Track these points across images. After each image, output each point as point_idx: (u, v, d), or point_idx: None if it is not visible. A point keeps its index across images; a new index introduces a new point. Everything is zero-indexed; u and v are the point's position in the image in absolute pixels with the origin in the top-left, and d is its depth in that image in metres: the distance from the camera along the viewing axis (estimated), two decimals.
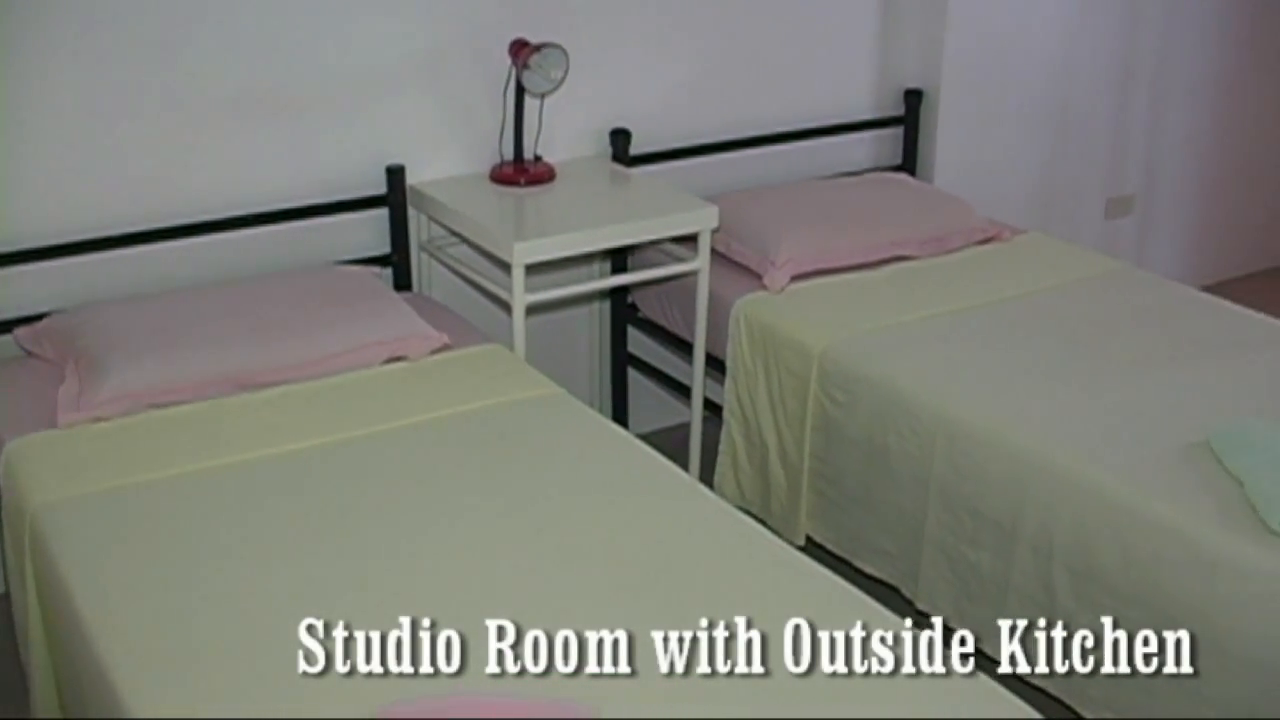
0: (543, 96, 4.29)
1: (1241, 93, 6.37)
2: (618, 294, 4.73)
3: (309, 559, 2.78)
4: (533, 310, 4.22)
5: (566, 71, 4.20)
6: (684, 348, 4.48)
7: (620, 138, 4.59)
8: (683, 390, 4.55)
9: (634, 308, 4.74)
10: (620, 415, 4.89)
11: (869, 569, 3.87)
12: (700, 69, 4.79)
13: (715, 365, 4.33)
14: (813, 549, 4.02)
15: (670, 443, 4.67)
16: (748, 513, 4.16)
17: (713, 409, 4.40)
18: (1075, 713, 3.28)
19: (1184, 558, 3.04)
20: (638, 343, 4.85)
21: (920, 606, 3.70)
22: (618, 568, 2.79)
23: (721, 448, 4.31)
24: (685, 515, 3.02)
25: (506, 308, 4.01)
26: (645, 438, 4.83)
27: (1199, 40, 6.10)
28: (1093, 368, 3.81)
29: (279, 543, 2.85)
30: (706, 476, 4.38)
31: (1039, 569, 3.34)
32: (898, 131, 5.27)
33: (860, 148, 5.22)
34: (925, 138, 5.26)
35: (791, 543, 3.99)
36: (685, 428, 4.52)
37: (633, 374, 4.89)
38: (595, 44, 4.50)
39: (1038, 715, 2.39)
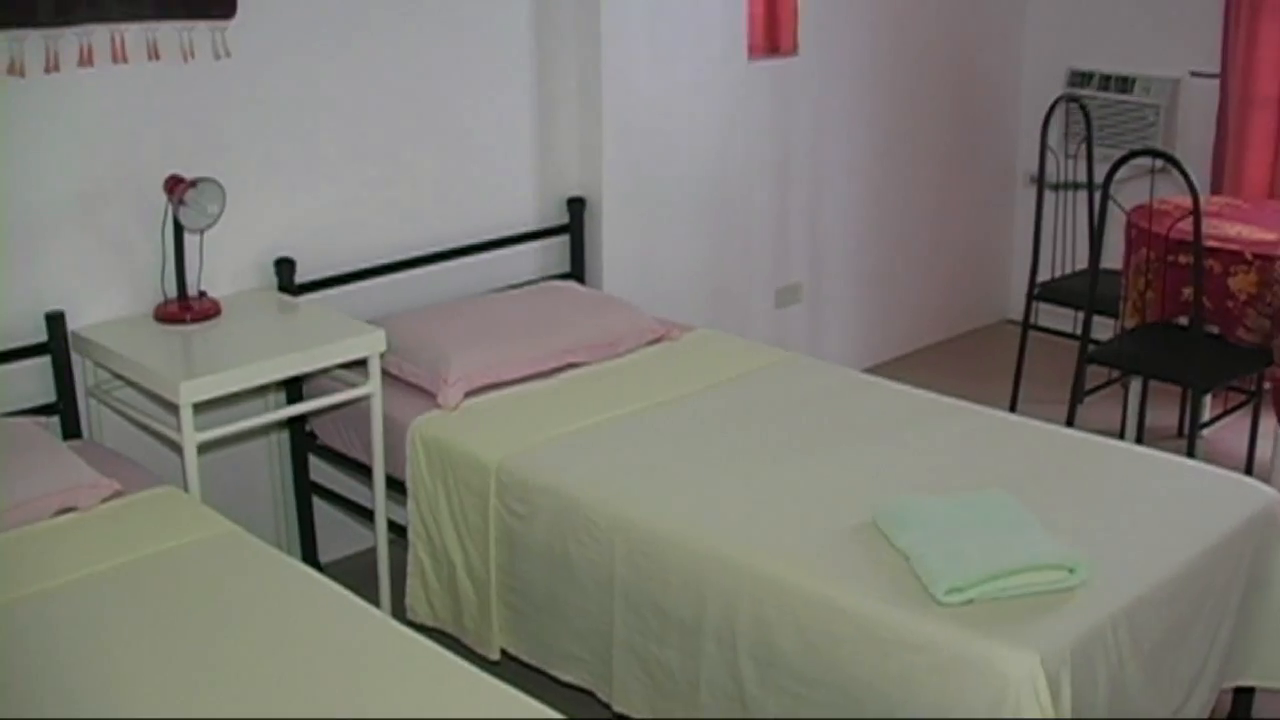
0: (201, 231, 4.25)
1: (894, 182, 6.64)
2: (296, 423, 4.70)
3: None
4: (209, 447, 4.16)
5: (223, 205, 4.18)
6: (366, 472, 4.46)
7: (285, 267, 4.57)
8: (368, 515, 4.53)
9: (313, 435, 4.71)
10: (308, 545, 4.83)
11: (565, 676, 3.89)
12: (361, 192, 4.80)
13: (398, 487, 4.32)
14: (509, 661, 4.03)
15: (360, 568, 4.66)
16: (441, 632, 4.18)
17: (399, 531, 4.38)
18: None
19: (858, 636, 3.14)
20: (320, 470, 4.81)
21: (617, 709, 3.73)
22: (302, 708, 2.75)
23: (410, 569, 4.29)
24: (368, 649, 2.99)
25: (180, 448, 3.94)
26: (335, 565, 4.83)
27: (848, 133, 6.35)
28: (763, 457, 3.91)
29: None
30: (398, 599, 4.36)
31: (725, 661, 3.40)
32: (564, 239, 5.35)
33: (528, 258, 5.28)
34: (591, 244, 5.35)
35: (486, 658, 4.02)
36: (374, 552, 4.50)
37: (318, 502, 4.85)
38: (253, 175, 4.48)
39: None
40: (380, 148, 4.83)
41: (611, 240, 5.35)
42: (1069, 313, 5.99)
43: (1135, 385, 5.52)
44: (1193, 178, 4.90)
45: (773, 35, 6.06)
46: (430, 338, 4.46)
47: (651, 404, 4.30)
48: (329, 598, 3.22)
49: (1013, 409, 5.82)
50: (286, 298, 4.53)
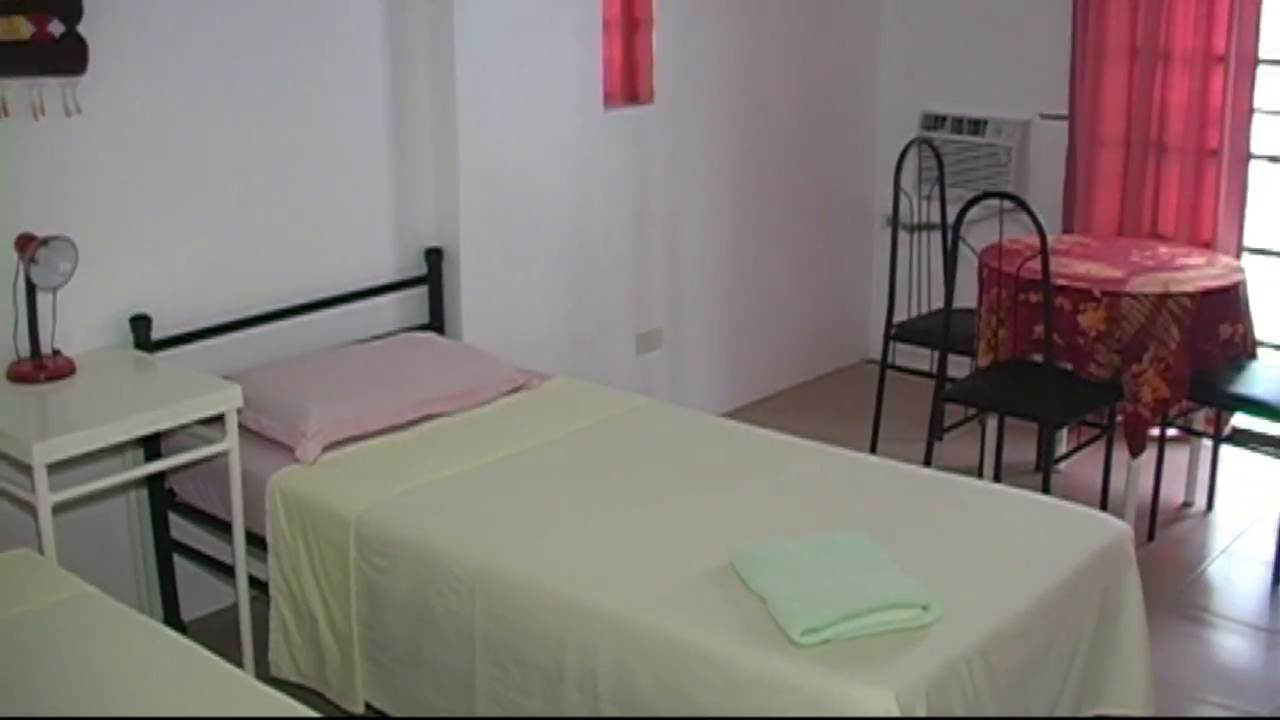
0: (54, 290, 4.21)
1: (752, 226, 6.71)
2: (154, 481, 4.65)
3: None
4: (66, 507, 4.10)
5: (76, 263, 4.14)
6: (226, 528, 4.42)
7: (140, 323, 4.53)
8: (231, 571, 4.49)
9: (172, 493, 4.66)
10: (170, 604, 4.78)
11: None
12: (218, 247, 4.77)
13: (260, 542, 4.29)
14: (373, 715, 4.02)
15: (224, 625, 4.63)
16: (305, 688, 4.15)
17: (262, 586, 4.35)
18: None
19: (716, 679, 3.17)
20: (180, 527, 4.76)
21: None
22: None
23: (272, 625, 4.26)
24: (229, 709, 2.96)
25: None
26: (198, 622, 4.79)
27: (706, 179, 6.41)
28: (622, 503, 3.94)
29: None
30: (261, 655, 4.32)
31: (587, 707, 3.42)
32: (423, 290, 5.35)
33: (387, 310, 5.28)
34: (450, 294, 5.35)
35: (351, 712, 4.00)
36: (237, 609, 4.46)
37: (179, 560, 4.80)
38: (107, 232, 4.44)
39: None
40: (236, 201, 4.80)
41: (470, 290, 5.35)
42: (927, 352, 6.07)
43: (992, 422, 5.61)
44: (1040, 218, 5.00)
45: (631, 84, 6.12)
46: (288, 392, 4.44)
47: (511, 453, 4.32)
48: (189, 658, 3.19)
49: (873, 449, 5.91)
50: (142, 355, 4.50)
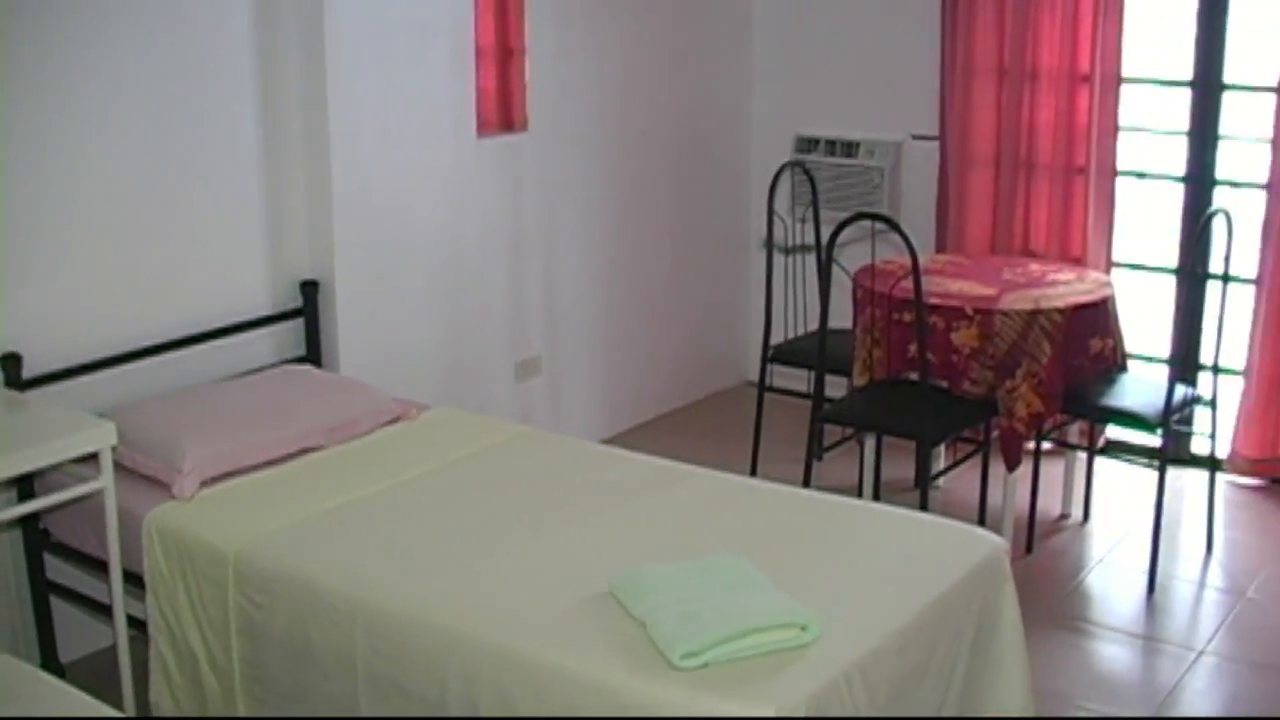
0: None
1: (630, 251, 6.73)
2: (28, 521, 4.58)
3: None
4: None
5: None
6: (103, 567, 4.36)
7: (10, 362, 4.47)
8: (109, 611, 4.43)
9: (47, 533, 4.60)
10: (47, 646, 4.70)
11: None
12: (90, 283, 4.72)
13: (138, 580, 4.24)
14: None
15: (103, 665, 4.57)
16: None
17: (141, 625, 4.30)
18: None
19: (598, 704, 3.18)
20: (57, 568, 4.70)
21: None
22: None
23: (152, 664, 4.22)
24: None
25: None
26: (77, 664, 4.74)
27: (582, 205, 6.43)
28: (501, 532, 3.95)
29: None
30: (141, 694, 4.27)
31: None
32: (299, 323, 5.32)
33: (263, 343, 5.24)
34: (326, 326, 5.33)
35: None
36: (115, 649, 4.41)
37: (56, 601, 4.73)
38: None
39: None
40: (108, 236, 4.76)
41: (346, 322, 5.34)
42: (805, 373, 6.11)
43: (870, 441, 5.66)
44: (914, 237, 5.06)
45: (505, 112, 6.10)
46: (163, 428, 4.40)
47: (389, 485, 4.31)
48: (66, 701, 3.16)
49: (754, 471, 5.94)
50: (13, 394, 4.43)
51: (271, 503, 4.19)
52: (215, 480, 4.32)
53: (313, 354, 5.33)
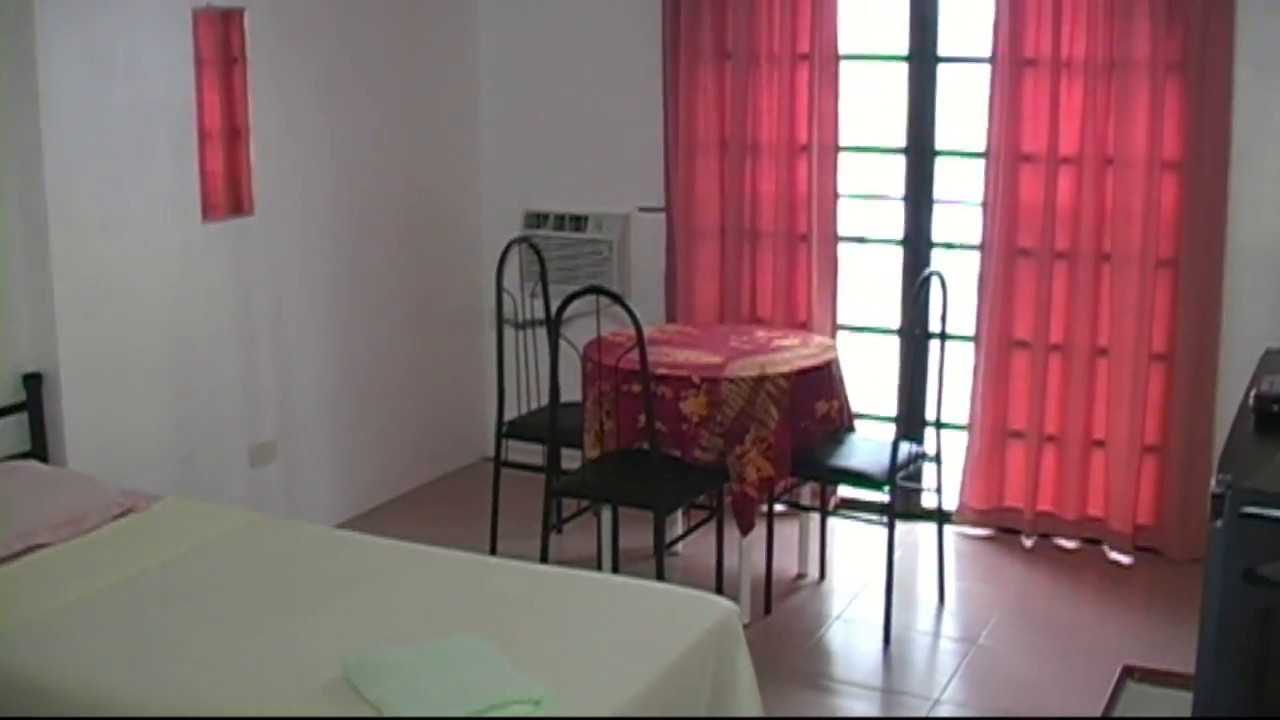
0: None
1: (362, 331, 6.71)
2: None
3: None
4: None
5: None
6: None
7: None
8: None
9: None
10: None
11: None
12: None
13: None
14: None
15: None
16: None
17: None
18: None
19: None
20: None
21: None
22: None
23: None
24: None
25: None
26: None
27: (312, 286, 6.39)
28: (231, 623, 3.91)
29: None
30: None
31: None
32: (22, 417, 5.19)
33: None
34: (51, 419, 5.21)
35: None
36: None
37: None
38: None
39: None
40: None
41: (72, 414, 5.23)
42: (540, 447, 6.13)
43: (607, 512, 5.70)
44: (640, 309, 5.16)
45: (234, 195, 6.02)
46: None
47: (118, 580, 4.23)
48: None
49: (493, 548, 5.95)
50: None
51: None
52: None
53: (38, 449, 5.19)
